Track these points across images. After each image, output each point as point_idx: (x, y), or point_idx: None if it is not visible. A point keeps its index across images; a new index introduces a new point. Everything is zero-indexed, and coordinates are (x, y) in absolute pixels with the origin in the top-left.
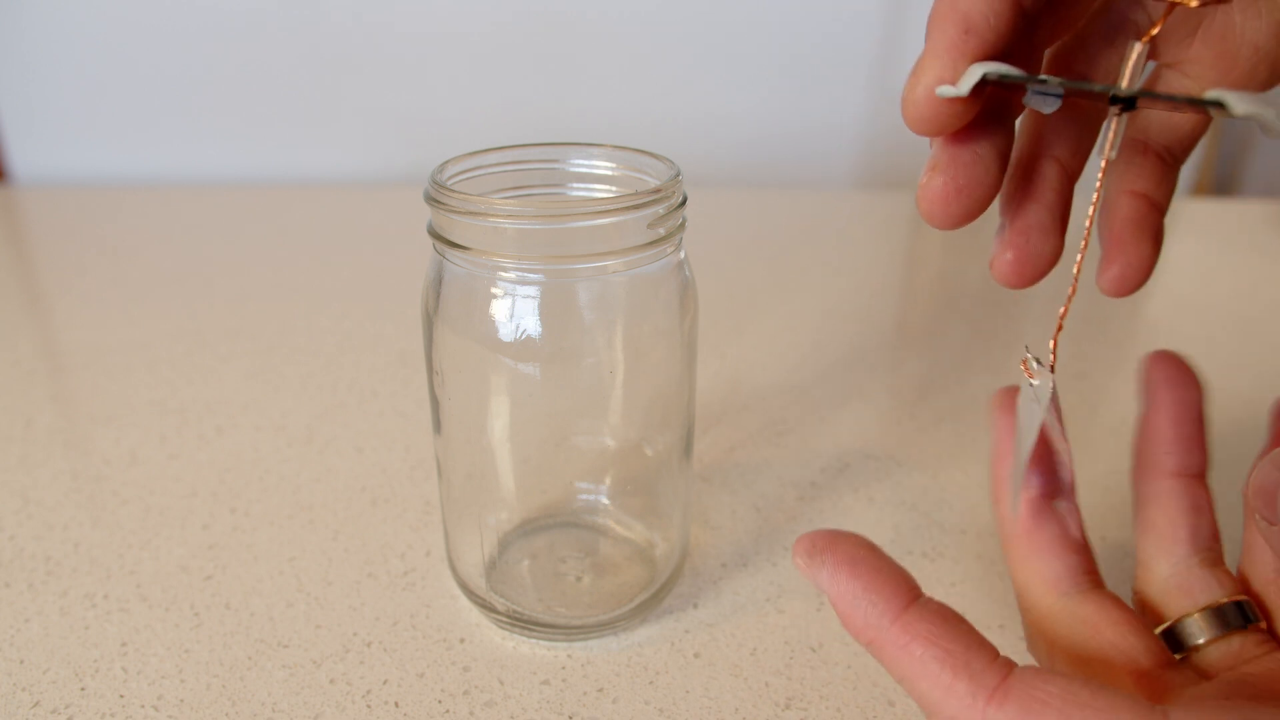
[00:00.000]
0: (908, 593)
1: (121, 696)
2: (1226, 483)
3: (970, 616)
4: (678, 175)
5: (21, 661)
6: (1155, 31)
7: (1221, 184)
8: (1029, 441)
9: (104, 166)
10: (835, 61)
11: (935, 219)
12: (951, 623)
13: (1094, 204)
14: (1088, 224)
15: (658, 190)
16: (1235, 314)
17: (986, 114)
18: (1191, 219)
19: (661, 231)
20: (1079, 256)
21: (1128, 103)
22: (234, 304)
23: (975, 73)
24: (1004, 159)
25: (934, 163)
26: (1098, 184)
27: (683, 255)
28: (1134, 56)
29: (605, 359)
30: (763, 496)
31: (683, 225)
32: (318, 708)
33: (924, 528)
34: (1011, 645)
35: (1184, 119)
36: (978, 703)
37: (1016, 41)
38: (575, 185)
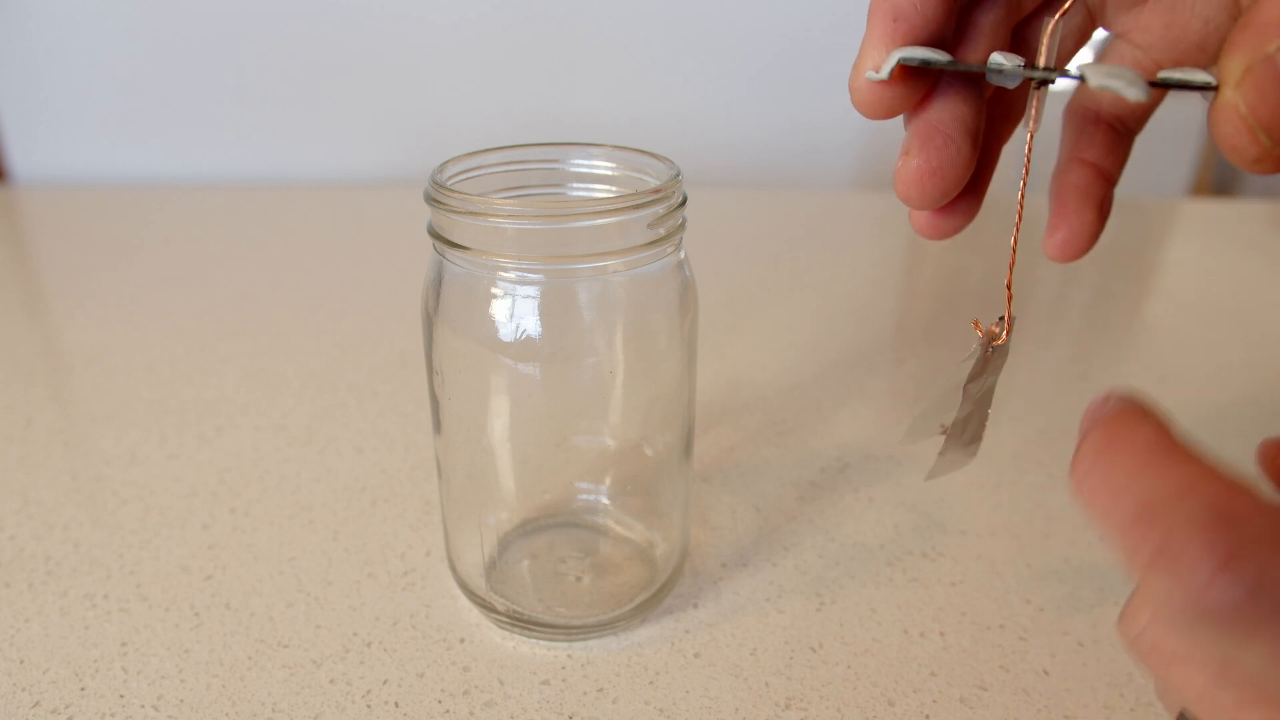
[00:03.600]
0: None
1: (121, 696)
2: None
3: (970, 617)
4: (678, 175)
5: (21, 661)
6: (1067, 6)
7: (1221, 184)
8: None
9: (104, 166)
10: (835, 61)
11: (912, 200)
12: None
13: (1024, 175)
14: (1020, 195)
15: (658, 190)
16: (1235, 314)
17: (955, 94)
18: (1191, 219)
19: (661, 231)
20: (1015, 225)
21: (1044, 79)
22: (234, 304)
23: (892, 59)
24: (975, 139)
25: (907, 146)
26: (1025, 156)
27: (683, 255)
28: (1049, 31)
29: (605, 359)
30: (763, 496)
31: (683, 225)
32: (318, 708)
33: (924, 528)
34: (1012, 645)
35: None
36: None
37: (949, 24)
38: (575, 185)
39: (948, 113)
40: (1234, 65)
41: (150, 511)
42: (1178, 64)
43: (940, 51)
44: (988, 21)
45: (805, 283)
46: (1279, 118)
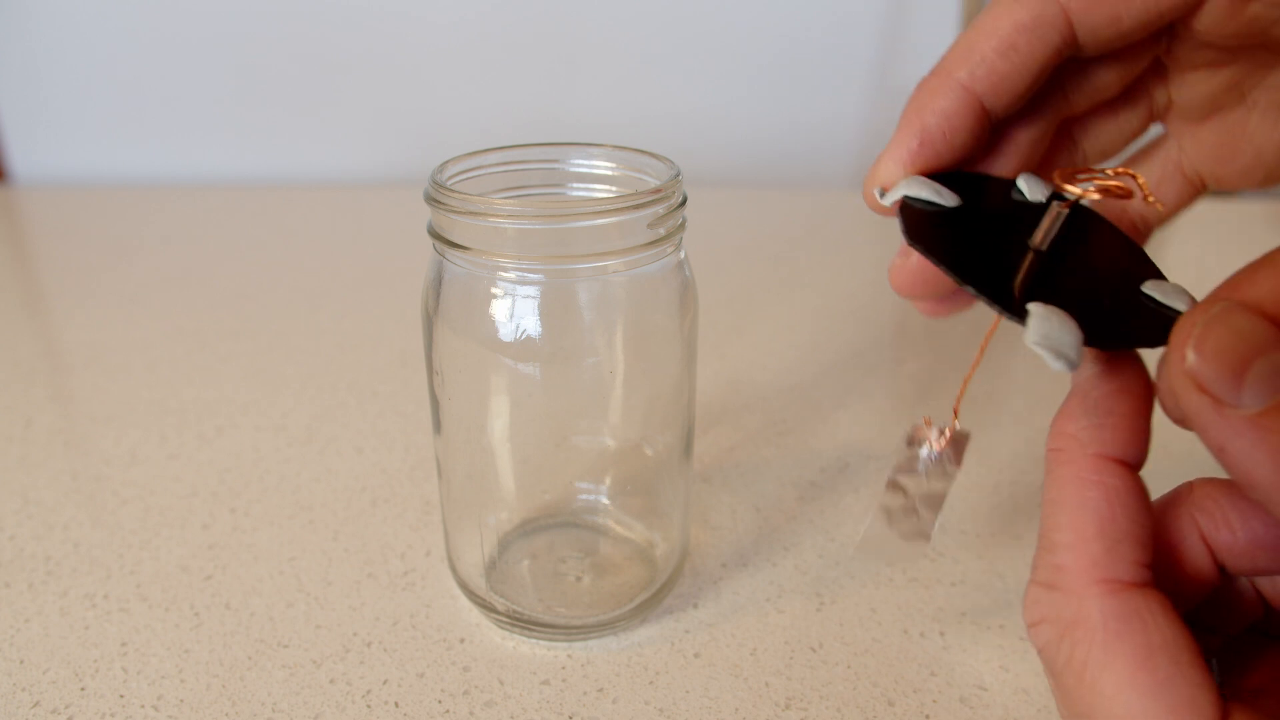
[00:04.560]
0: (1128, 442)
1: (121, 696)
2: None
3: (970, 617)
4: (678, 175)
5: (21, 661)
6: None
7: None
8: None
9: (104, 166)
10: (835, 61)
11: (914, 296)
12: (1140, 503)
13: (988, 335)
14: (983, 346)
15: (658, 190)
16: None
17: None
18: (1191, 219)
19: (661, 231)
20: (993, 323)
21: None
22: (234, 304)
23: (899, 191)
24: None
25: (906, 249)
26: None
27: (683, 255)
28: (1052, 216)
29: (605, 359)
30: (763, 496)
31: (683, 225)
32: (318, 708)
33: None
34: (1012, 645)
35: (1166, 203)
36: (1095, 573)
37: (979, 144)
38: (575, 185)
39: None
40: (1189, 325)
41: (150, 511)
42: (1216, 180)
43: (948, 194)
44: (1026, 137)
45: (805, 283)
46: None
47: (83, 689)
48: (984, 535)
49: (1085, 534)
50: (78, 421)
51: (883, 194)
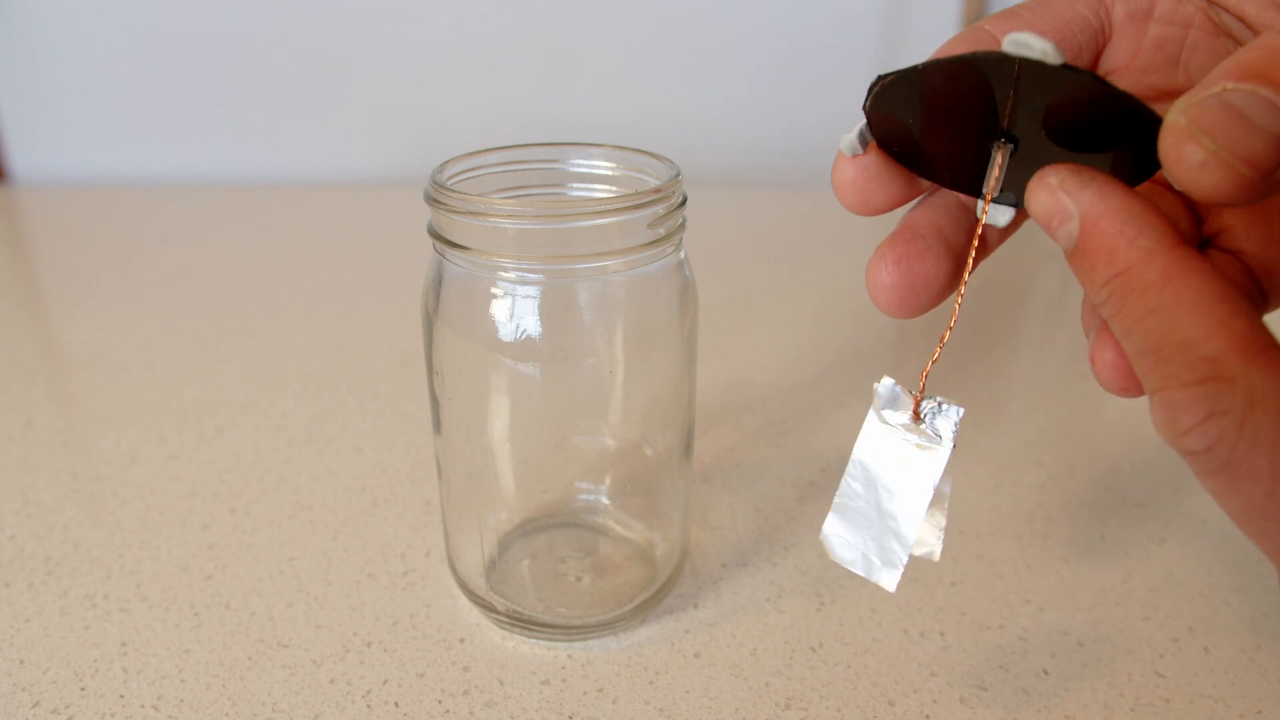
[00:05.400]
0: (1180, 234)
1: (121, 696)
2: None
3: (970, 617)
4: (678, 175)
5: (21, 661)
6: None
7: None
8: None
9: (104, 166)
10: (835, 61)
11: (889, 313)
12: (1229, 281)
13: (975, 235)
14: (971, 254)
15: (658, 190)
16: None
17: (943, 206)
18: None
19: (662, 231)
20: (959, 290)
21: (1014, 142)
22: (234, 304)
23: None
24: (959, 261)
25: (883, 255)
26: (980, 215)
27: (683, 255)
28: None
29: (605, 359)
30: (763, 496)
31: (683, 225)
32: (318, 708)
33: None
34: (1012, 645)
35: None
36: (1251, 348)
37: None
38: (575, 185)
39: (930, 222)
40: (1179, 102)
41: (150, 511)
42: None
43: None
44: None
45: (805, 283)
46: (1222, 127)
47: (83, 689)
48: (984, 535)
49: (1221, 317)
50: (78, 421)
51: (850, 144)
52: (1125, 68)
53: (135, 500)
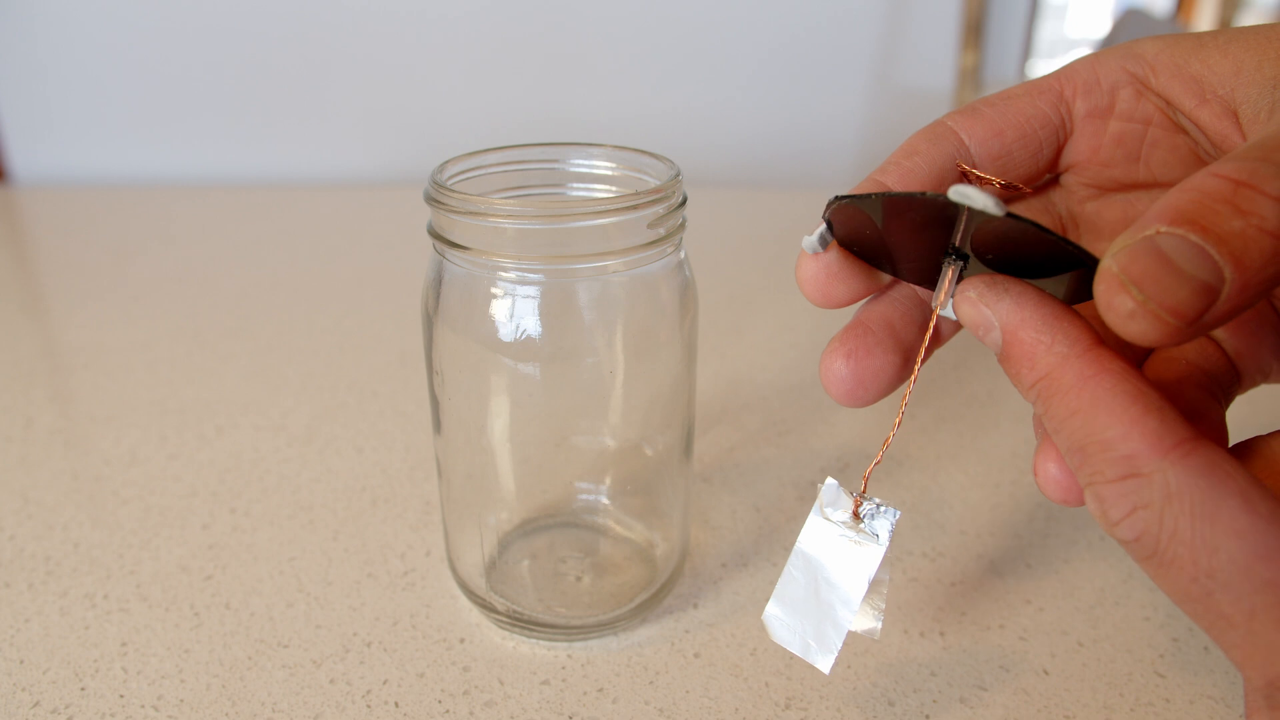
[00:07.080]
0: (1094, 335)
1: (121, 696)
2: None
3: (970, 617)
4: (678, 175)
5: (21, 661)
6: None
7: None
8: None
9: (104, 166)
10: (835, 61)
11: (841, 402)
12: (1143, 376)
13: (927, 332)
14: (920, 356)
15: (658, 190)
16: None
17: (902, 304)
18: None
19: (661, 231)
20: (907, 387)
21: (965, 259)
22: (234, 304)
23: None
24: (908, 356)
25: (835, 350)
26: (931, 323)
27: (683, 255)
28: (949, 275)
29: (605, 359)
30: (763, 496)
31: (683, 225)
32: (318, 708)
33: (924, 528)
34: (1011, 645)
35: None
36: (1163, 444)
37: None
38: (575, 185)
39: (882, 317)
40: (1115, 244)
41: (150, 511)
42: None
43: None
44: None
45: None
46: (1150, 277)
47: (83, 689)
48: (984, 535)
49: (1134, 416)
50: (78, 421)
51: (811, 242)
52: (1087, 162)
53: (135, 500)
